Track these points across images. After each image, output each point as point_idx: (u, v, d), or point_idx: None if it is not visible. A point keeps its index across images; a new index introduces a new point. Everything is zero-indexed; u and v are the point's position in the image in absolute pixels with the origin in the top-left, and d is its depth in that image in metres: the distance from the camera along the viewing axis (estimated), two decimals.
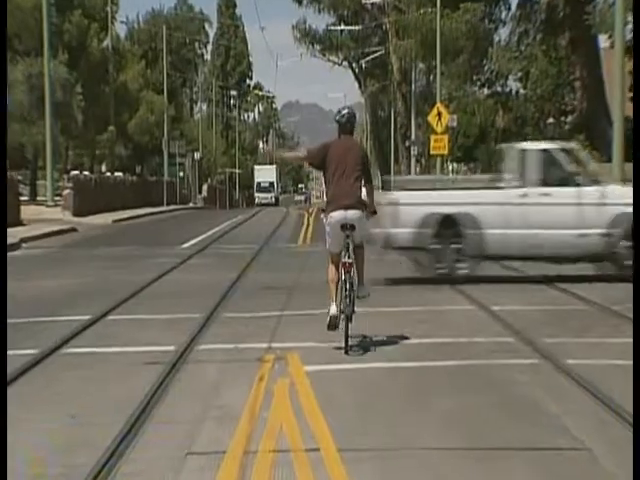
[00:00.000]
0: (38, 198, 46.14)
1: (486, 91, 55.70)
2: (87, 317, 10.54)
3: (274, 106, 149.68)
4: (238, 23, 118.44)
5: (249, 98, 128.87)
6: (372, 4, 66.54)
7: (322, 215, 9.08)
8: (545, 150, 14.35)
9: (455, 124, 41.02)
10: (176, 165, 61.27)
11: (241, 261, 17.16)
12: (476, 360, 8.17)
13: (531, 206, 13.83)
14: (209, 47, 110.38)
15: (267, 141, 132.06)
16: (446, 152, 40.84)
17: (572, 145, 15.87)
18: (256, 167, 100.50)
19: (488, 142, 57.02)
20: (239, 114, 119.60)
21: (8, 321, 9.21)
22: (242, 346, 8.86)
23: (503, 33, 50.87)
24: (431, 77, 61.74)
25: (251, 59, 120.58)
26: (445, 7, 45.96)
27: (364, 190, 9.07)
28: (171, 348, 8.64)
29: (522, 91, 52.51)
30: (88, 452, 5.57)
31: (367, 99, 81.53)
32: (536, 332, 9.32)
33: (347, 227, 8.66)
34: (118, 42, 59.95)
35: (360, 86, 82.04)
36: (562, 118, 47.34)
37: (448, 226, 13.84)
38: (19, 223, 27.26)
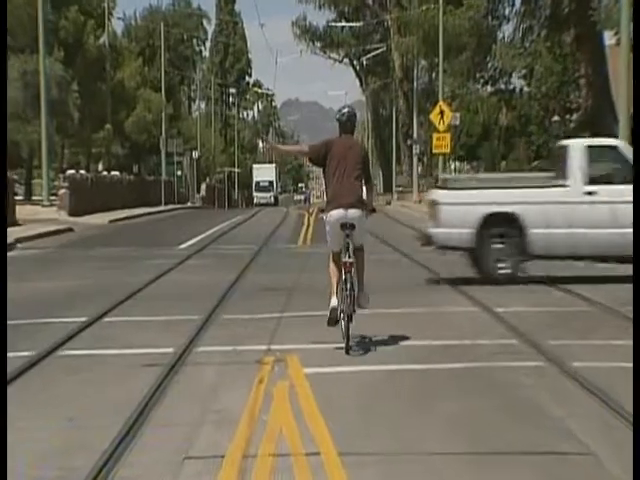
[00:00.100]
0: (33, 198, 46.19)
1: (489, 89, 55.80)
2: (83, 319, 10.54)
3: (274, 104, 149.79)
4: (237, 19, 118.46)
5: (248, 96, 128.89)
6: (373, 0, 66.59)
7: (322, 214, 9.16)
8: (612, 147, 14.14)
9: (458, 122, 41.08)
10: (174, 164, 61.26)
11: (240, 262, 17.16)
12: (480, 362, 8.17)
13: (598, 204, 13.60)
14: (207, 44, 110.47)
15: (266, 140, 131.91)
16: (449, 151, 40.88)
17: (621, 142, 15.73)
18: (255, 166, 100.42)
19: (491, 141, 57.12)
20: (238, 112, 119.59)
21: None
22: (241, 348, 8.86)
23: (507, 30, 51.03)
24: (433, 74, 61.80)
25: (250, 56, 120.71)
26: (448, 3, 46.03)
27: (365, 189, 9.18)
28: (169, 350, 8.64)
29: (526, 89, 52.58)
30: (85, 455, 5.57)
31: (368, 97, 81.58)
32: (541, 334, 9.32)
33: (347, 226, 8.75)
34: (115, 39, 59.98)
35: (361, 84, 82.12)
36: (567, 116, 47.36)
37: (509, 225, 13.73)
38: (14, 223, 27.25)
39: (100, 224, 32.79)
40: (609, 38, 40.48)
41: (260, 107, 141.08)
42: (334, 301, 8.68)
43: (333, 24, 75.12)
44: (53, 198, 36.74)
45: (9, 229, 24.43)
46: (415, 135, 57.34)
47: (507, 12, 51.23)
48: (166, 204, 51.71)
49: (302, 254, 19.89)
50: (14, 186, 33.19)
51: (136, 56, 63.47)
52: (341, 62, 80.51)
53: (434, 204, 14.18)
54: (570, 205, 13.76)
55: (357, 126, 10.18)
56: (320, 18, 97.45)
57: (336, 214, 8.85)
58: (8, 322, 9.59)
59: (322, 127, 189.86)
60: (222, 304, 11.77)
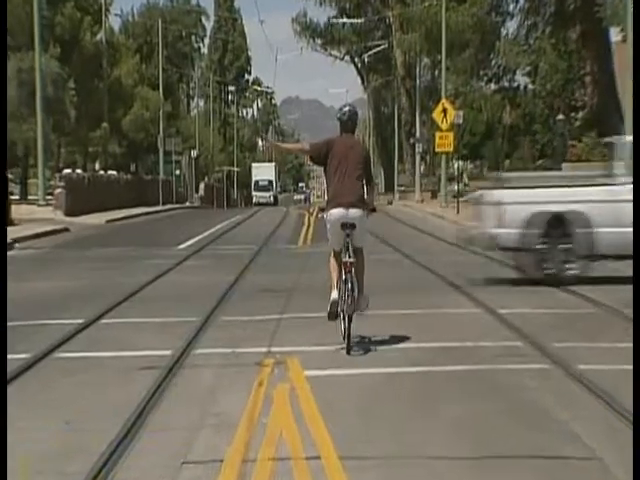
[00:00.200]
0: (29, 197, 46.22)
1: (493, 86, 55.81)
2: (80, 320, 10.55)
3: (273, 102, 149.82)
4: (236, 16, 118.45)
5: (248, 94, 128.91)
6: None
7: (322, 213, 9.23)
8: None
9: (461, 121, 41.00)
10: (172, 163, 61.25)
11: (239, 262, 17.17)
12: (483, 365, 8.17)
13: None
14: (206, 41, 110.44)
15: (266, 138, 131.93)
16: (451, 150, 40.82)
17: None
18: (254, 165, 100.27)
19: (495, 139, 57.14)
20: (237, 110, 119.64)
21: None
22: (240, 350, 8.86)
23: (511, 26, 51.18)
24: (436, 72, 61.81)
25: (250, 53, 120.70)
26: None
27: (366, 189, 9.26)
28: (167, 352, 8.65)
29: (530, 86, 52.59)
30: (82, 459, 5.58)
31: (370, 95, 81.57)
32: (545, 336, 9.32)
33: (347, 226, 8.84)
34: (112, 35, 59.97)
35: (363, 81, 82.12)
36: (572, 114, 47.37)
37: (557, 225, 13.64)
38: (10, 223, 27.26)
39: (97, 224, 32.79)
40: (615, 35, 40.54)
41: (260, 105, 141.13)
42: (335, 294, 8.78)
43: (334, 21, 75.13)
44: (49, 198, 36.76)
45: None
46: (417, 134, 57.36)
47: (511, 8, 51.26)
48: (164, 204, 51.71)
49: (302, 254, 19.90)
50: (9, 185, 33.21)
51: (133, 53, 63.50)
52: (342, 59, 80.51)
53: (498, 204, 13.92)
54: (618, 204, 13.46)
55: (358, 124, 10.25)
56: (321, 14, 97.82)
57: (337, 213, 8.93)
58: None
59: (323, 125, 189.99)
60: (221, 305, 11.77)
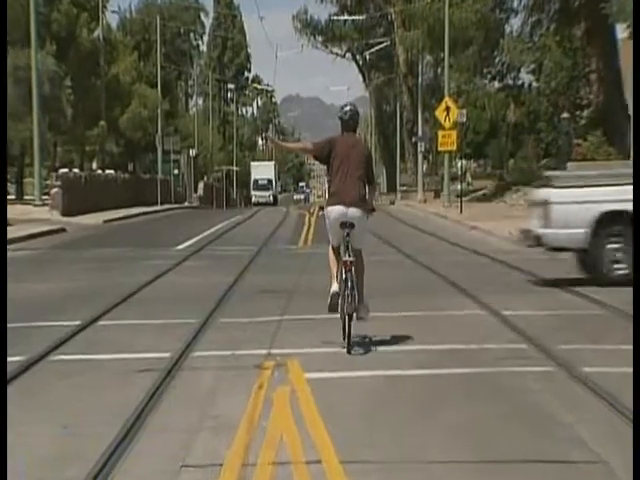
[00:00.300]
0: (25, 197, 46.23)
1: (497, 84, 55.77)
2: (77, 322, 10.56)
3: (274, 100, 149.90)
4: (236, 13, 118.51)
5: (247, 92, 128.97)
6: None
7: (322, 212, 9.33)
8: None
9: (464, 119, 40.99)
10: (170, 162, 61.27)
11: (239, 263, 17.19)
12: (487, 368, 8.18)
13: None
14: (205, 38, 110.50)
15: (267, 136, 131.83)
16: (454, 148, 40.85)
17: None
18: (253, 163, 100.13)
19: (499, 138, 57.12)
20: (237, 108, 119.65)
21: None
22: (240, 352, 8.87)
23: (515, 23, 51.08)
24: (439, 70, 61.79)
25: (249, 51, 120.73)
26: None
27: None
28: (166, 355, 8.66)
29: (535, 84, 52.54)
30: (79, 463, 5.58)
31: (371, 93, 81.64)
32: (550, 338, 9.33)
33: (347, 225, 8.99)
34: (109, 32, 60.03)
35: (364, 79, 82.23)
36: (577, 112, 47.32)
37: (623, 224, 13.41)
38: None
39: (94, 224, 32.81)
40: (621, 31, 40.48)
41: (260, 103, 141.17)
42: (335, 286, 8.93)
43: (335, 17, 75.24)
44: (45, 197, 36.77)
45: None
46: (420, 132, 57.37)
47: (515, 5, 51.14)
48: (162, 204, 51.74)
49: (303, 255, 19.91)
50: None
51: (131, 50, 63.51)
52: (343, 57, 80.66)
53: (546, 203, 13.83)
54: None
55: (360, 123, 10.31)
56: (322, 11, 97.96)
57: (336, 211, 9.08)
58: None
59: (323, 124, 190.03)
60: (220, 307, 11.78)
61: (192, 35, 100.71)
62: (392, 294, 12.71)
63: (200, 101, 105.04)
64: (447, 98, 41.16)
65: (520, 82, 54.51)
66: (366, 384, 7.68)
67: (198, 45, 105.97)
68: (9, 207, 30.29)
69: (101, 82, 51.82)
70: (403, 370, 8.12)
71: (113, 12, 72.87)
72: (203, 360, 8.57)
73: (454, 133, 39.80)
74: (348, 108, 9.38)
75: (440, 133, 40.40)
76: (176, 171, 63.86)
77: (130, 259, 19.28)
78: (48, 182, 38.03)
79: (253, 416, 6.59)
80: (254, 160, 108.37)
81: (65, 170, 44.02)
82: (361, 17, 70.79)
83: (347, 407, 6.93)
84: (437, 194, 53.10)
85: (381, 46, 70.15)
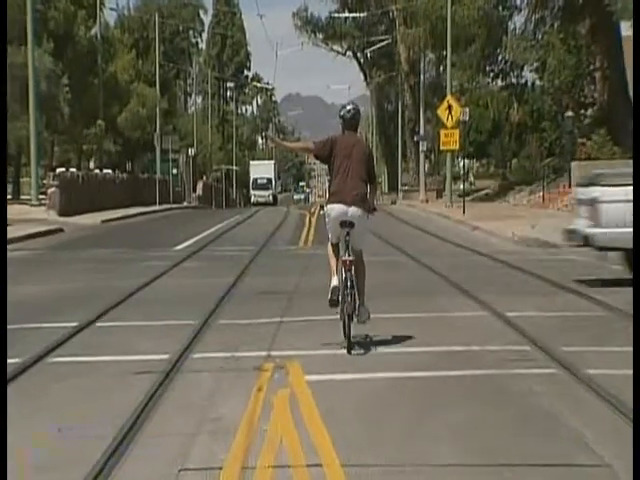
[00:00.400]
0: (22, 197, 46.25)
1: (500, 82, 55.71)
2: (74, 324, 10.56)
3: (273, 99, 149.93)
4: (235, 10, 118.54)
5: (247, 90, 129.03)
6: None
7: (322, 211, 9.39)
8: None
9: (467, 118, 40.98)
10: (169, 162, 61.27)
11: (238, 264, 17.18)
12: (490, 370, 8.17)
13: None
14: (204, 36, 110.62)
15: (268, 135, 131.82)
16: (457, 148, 40.82)
17: None
18: (252, 162, 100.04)
19: (502, 137, 57.11)
20: (236, 107, 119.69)
21: None
22: (239, 354, 8.87)
23: (518, 20, 50.80)
24: (441, 68, 61.83)
25: (249, 49, 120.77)
26: None
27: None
28: (164, 357, 8.65)
29: (538, 82, 52.51)
30: (76, 468, 5.58)
31: (373, 91, 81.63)
32: (553, 340, 9.32)
33: (347, 224, 9.06)
34: (107, 30, 60.09)
35: (365, 77, 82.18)
36: (581, 111, 47.29)
37: None
38: None
39: (92, 224, 32.82)
40: (626, 29, 40.47)
41: (259, 102, 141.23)
42: (335, 281, 9.01)
43: (336, 15, 75.20)
44: (42, 197, 36.80)
45: None
46: (422, 131, 57.37)
47: (518, 2, 51.08)
48: (161, 204, 51.76)
49: (303, 255, 19.91)
50: None
51: (129, 48, 63.56)
52: (344, 55, 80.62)
53: (595, 202, 13.60)
54: None
55: (361, 122, 10.35)
56: (322, 8, 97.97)
57: (337, 209, 9.14)
58: None
59: (324, 123, 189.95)
60: (219, 308, 11.78)
61: (191, 33, 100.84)
62: (393, 295, 12.71)
63: (199, 100, 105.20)
64: (449, 97, 41.14)
65: (523, 80, 54.50)
66: (367, 386, 7.68)
67: (197, 43, 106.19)
68: None
69: (99, 80, 51.85)
70: (405, 372, 8.11)
71: (111, 9, 73.01)
72: (202, 362, 8.57)
73: (456, 132, 39.76)
74: (350, 107, 9.46)
75: (442, 132, 40.36)
76: (175, 171, 63.87)
77: (128, 260, 19.29)
78: (45, 181, 38.08)
79: (253, 419, 6.58)
80: (254, 160, 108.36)
81: (62, 169, 44.04)
82: (362, 14, 70.76)
83: (348, 410, 6.93)
84: (439, 194, 53.13)
85: (382, 44, 70.14)
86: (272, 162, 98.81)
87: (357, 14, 71.46)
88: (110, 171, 51.03)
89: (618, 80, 43.61)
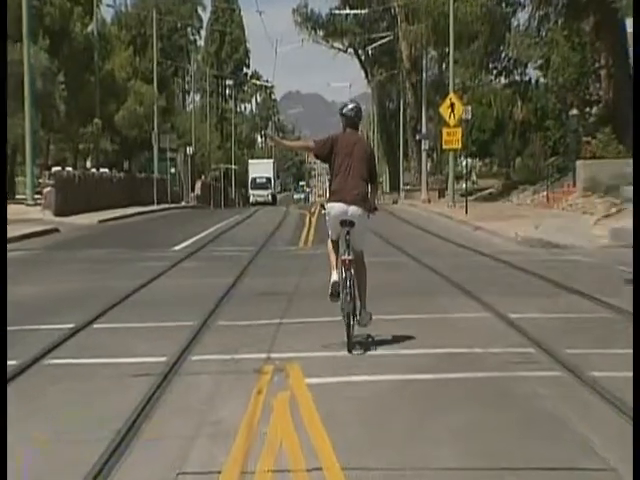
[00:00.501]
0: (17, 196, 46.24)
1: (503, 80, 55.72)
2: (71, 325, 10.57)
3: (273, 97, 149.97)
4: (234, 7, 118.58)
5: (246, 88, 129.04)
6: None
7: (323, 211, 9.44)
8: None
9: (469, 116, 40.97)
10: (167, 161, 61.30)
11: (237, 265, 17.20)
12: (493, 372, 8.18)
13: None
14: (203, 33, 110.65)
15: (268, 133, 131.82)
16: (459, 146, 40.80)
17: None
18: (251, 161, 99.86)
19: (505, 136, 57.12)
20: (235, 105, 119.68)
21: None
22: (238, 356, 8.88)
23: (522, 17, 50.84)
24: (443, 65, 61.84)
25: (248, 46, 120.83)
26: None
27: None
28: (162, 359, 8.66)
29: (542, 80, 52.53)
30: (73, 472, 5.59)
31: (374, 89, 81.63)
32: (558, 342, 9.33)
33: (347, 223, 9.13)
34: (104, 27, 60.04)
35: (366, 75, 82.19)
36: (586, 109, 47.28)
37: None
38: None
39: (88, 224, 32.82)
40: (630, 26, 40.45)
41: (259, 100, 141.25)
42: (335, 276, 9.12)
43: (336, 11, 75.22)
44: (38, 197, 36.78)
45: None
46: (424, 130, 57.35)
47: None
48: (158, 203, 51.75)
49: (303, 256, 19.92)
50: None
51: (126, 45, 63.57)
52: (345, 52, 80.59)
53: None
54: None
55: (362, 120, 10.37)
56: (323, 5, 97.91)
57: (337, 208, 9.20)
58: None
59: (325, 121, 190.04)
60: (218, 310, 11.79)
61: (189, 30, 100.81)
62: (395, 296, 12.72)
63: (197, 98, 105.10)
64: (452, 94, 41.14)
65: (527, 78, 54.51)
66: (368, 389, 7.69)
67: (195, 40, 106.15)
68: None
69: (95, 78, 51.83)
70: (406, 374, 8.12)
71: (108, 6, 72.76)
72: (201, 364, 8.58)
73: (459, 131, 39.76)
74: (352, 105, 9.53)
75: (444, 131, 40.37)
76: (173, 170, 63.90)
77: (126, 260, 19.30)
78: (41, 181, 38.05)
79: (252, 422, 6.59)
80: (253, 158, 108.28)
81: (58, 168, 44.09)
82: (363, 11, 70.81)
83: (349, 413, 6.94)
84: (441, 193, 53.13)
85: (384, 41, 70.13)
86: (271, 161, 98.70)
87: (358, 10, 71.51)
88: (107, 170, 51.05)
89: (623, 78, 43.60)
